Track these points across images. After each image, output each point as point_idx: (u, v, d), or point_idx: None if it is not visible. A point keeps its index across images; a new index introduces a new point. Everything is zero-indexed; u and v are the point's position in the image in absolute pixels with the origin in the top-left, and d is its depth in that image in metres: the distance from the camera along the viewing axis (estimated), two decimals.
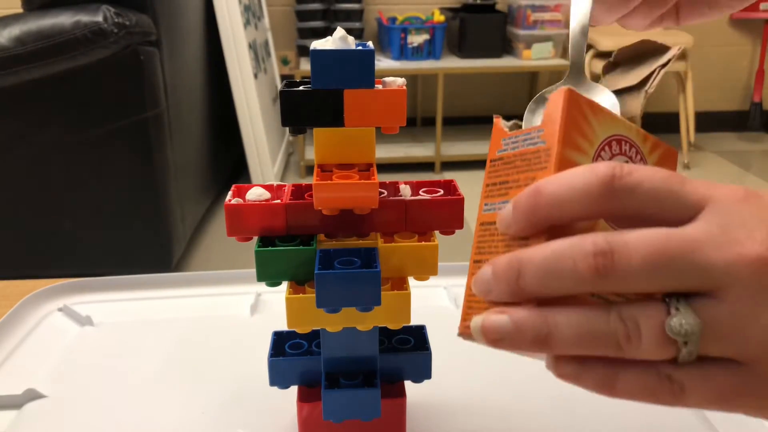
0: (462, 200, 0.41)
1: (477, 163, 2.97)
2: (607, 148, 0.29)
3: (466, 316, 0.29)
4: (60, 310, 0.64)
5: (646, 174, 0.26)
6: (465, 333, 0.29)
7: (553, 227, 0.27)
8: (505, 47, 3.10)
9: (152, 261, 1.79)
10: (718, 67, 3.42)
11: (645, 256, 0.24)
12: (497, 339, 0.27)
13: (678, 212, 0.26)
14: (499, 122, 0.32)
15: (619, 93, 0.36)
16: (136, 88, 1.66)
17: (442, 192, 0.42)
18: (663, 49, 0.37)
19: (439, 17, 3.00)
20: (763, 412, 0.25)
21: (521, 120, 0.30)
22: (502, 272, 0.27)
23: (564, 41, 3.10)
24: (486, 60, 3.01)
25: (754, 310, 0.24)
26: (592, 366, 0.26)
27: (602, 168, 0.26)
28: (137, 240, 1.79)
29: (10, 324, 0.60)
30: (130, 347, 0.58)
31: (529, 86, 3.46)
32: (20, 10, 1.62)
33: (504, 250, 0.29)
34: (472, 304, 0.29)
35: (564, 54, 3.14)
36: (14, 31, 1.50)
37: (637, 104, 0.34)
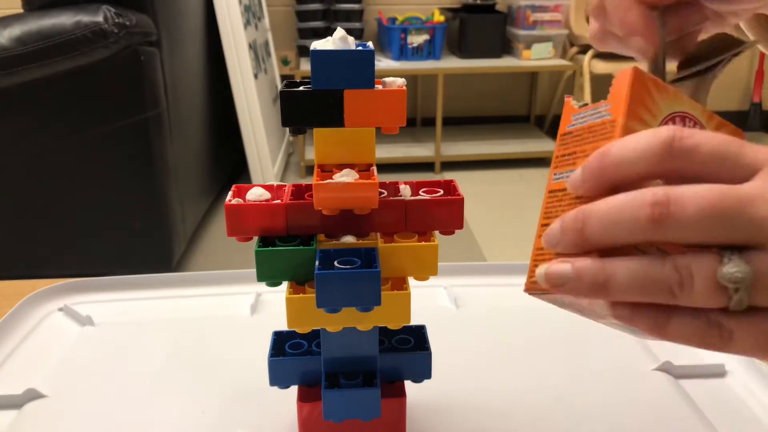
0: (462, 200, 0.41)
1: (477, 163, 2.97)
2: (670, 123, 0.31)
3: (531, 274, 0.32)
4: (60, 310, 0.64)
5: (705, 137, 0.27)
6: (530, 288, 0.31)
7: (617, 188, 0.28)
8: (505, 47, 3.10)
9: (152, 261, 1.79)
10: None
11: (699, 208, 0.25)
12: (559, 284, 0.29)
13: (734, 173, 0.27)
14: (570, 101, 0.34)
15: (686, 78, 0.38)
16: (136, 88, 1.66)
17: (442, 192, 0.42)
18: (738, 42, 0.38)
19: (439, 17, 3.00)
20: None
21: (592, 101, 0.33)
22: (570, 224, 0.29)
23: (564, 41, 3.11)
24: (486, 60, 3.02)
25: None
26: (646, 309, 0.27)
27: (664, 131, 0.27)
28: (137, 240, 1.79)
29: (10, 324, 0.60)
30: (130, 347, 0.58)
31: (529, 86, 3.46)
32: (20, 10, 1.62)
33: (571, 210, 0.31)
34: (537, 261, 0.31)
35: (563, 54, 3.14)
36: (15, 31, 1.50)
37: (705, 88, 0.36)
